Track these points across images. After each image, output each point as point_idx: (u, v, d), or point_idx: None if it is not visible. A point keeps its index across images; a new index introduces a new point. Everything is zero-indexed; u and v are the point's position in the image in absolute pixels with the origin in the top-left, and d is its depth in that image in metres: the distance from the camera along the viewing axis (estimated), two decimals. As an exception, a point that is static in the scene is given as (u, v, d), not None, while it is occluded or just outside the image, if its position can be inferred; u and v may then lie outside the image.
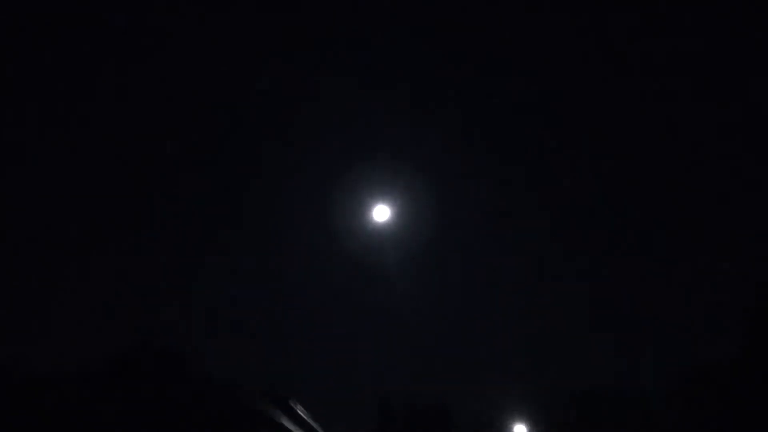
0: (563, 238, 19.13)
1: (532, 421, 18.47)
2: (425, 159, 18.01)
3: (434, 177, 18.13)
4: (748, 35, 17.65)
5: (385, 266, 18.12)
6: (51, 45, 16.97)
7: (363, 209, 17.62)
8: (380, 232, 17.82)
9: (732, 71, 17.86)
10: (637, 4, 18.08)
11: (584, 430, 18.39)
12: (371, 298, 18.43)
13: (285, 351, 17.45)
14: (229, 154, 18.32)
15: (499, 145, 19.16)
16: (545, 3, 18.18)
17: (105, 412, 12.36)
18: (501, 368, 17.68)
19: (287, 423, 14.93)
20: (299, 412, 15.77)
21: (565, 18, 18.18)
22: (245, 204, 18.03)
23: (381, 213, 17.65)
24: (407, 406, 22.68)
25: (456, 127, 18.62)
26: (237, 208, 18.21)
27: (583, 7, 17.91)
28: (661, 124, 18.66)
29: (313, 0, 17.62)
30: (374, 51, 17.91)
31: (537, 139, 19.29)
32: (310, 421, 16.47)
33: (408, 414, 22.77)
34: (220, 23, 17.05)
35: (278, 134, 18.20)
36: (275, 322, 17.93)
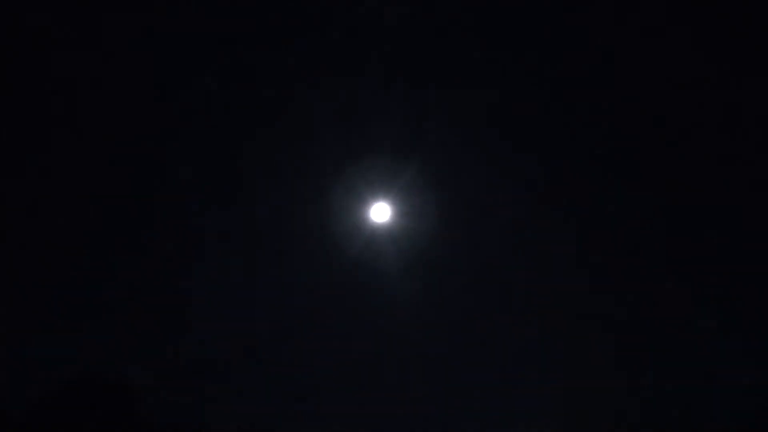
0: (569, 238, 19.03)
1: None
2: (425, 156, 17.96)
3: (435, 175, 18.06)
4: (748, 35, 17.65)
5: (384, 268, 18.04)
6: (50, 45, 17.04)
7: (361, 208, 17.55)
8: (379, 232, 17.75)
9: (732, 71, 17.86)
10: (637, 4, 18.14)
11: None
12: (370, 299, 18.34)
13: (277, 362, 17.27)
14: (226, 152, 18.29)
15: (500, 143, 19.11)
16: (545, 3, 18.24)
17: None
18: (510, 383, 17.39)
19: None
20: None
21: (564, 18, 18.22)
22: (238, 203, 17.97)
23: (380, 212, 17.58)
24: None
25: (457, 125, 18.60)
26: (232, 207, 18.15)
27: (583, 6, 17.96)
28: (664, 124, 18.63)
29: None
30: (373, 49, 17.93)
31: (539, 138, 19.25)
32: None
33: None
34: (219, 21, 17.09)
35: (276, 132, 18.18)
36: (270, 326, 17.84)
